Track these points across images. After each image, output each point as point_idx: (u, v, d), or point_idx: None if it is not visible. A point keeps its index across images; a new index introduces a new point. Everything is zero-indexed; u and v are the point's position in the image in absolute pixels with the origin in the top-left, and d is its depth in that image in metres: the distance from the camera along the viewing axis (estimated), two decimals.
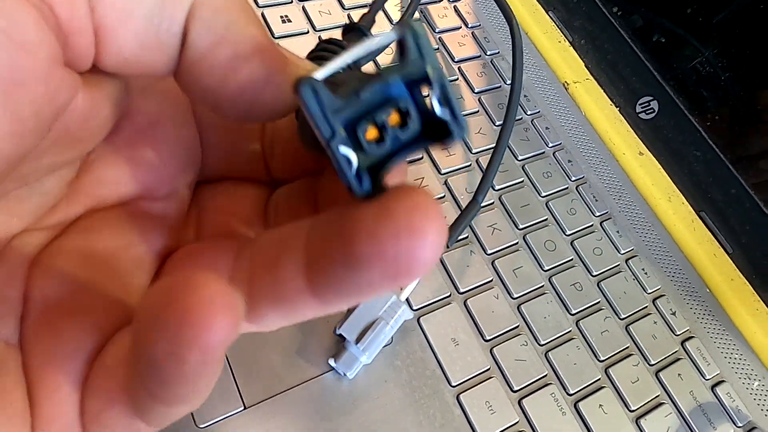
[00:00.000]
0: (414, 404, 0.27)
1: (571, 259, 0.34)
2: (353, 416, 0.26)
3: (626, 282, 0.35)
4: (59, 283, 0.12)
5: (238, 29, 0.12)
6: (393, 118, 0.11)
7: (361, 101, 0.11)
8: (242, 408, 0.25)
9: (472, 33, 0.41)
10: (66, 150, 0.12)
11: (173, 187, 0.15)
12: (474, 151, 0.36)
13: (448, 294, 0.31)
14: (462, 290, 0.31)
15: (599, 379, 0.31)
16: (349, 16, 0.38)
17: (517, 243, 0.34)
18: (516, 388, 0.29)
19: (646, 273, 0.35)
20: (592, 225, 0.36)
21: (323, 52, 0.19)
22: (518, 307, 0.32)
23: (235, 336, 0.09)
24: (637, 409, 0.30)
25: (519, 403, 0.29)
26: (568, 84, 0.42)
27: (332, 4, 0.38)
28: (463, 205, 0.33)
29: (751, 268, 0.37)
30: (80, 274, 0.13)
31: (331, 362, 0.26)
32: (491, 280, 0.32)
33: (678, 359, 0.33)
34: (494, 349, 0.30)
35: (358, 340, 0.26)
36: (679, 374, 0.32)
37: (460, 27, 0.41)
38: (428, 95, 0.11)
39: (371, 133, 0.11)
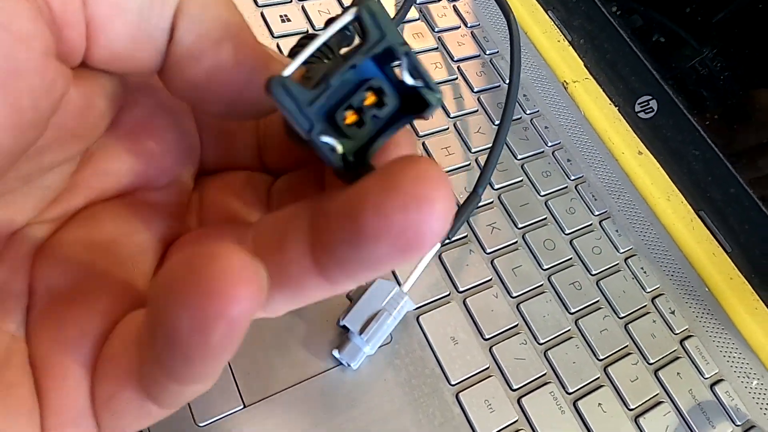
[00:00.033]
0: (413, 403, 0.27)
1: (570, 258, 0.34)
2: (352, 415, 0.26)
3: (625, 281, 0.35)
4: (63, 273, 0.13)
5: (224, 26, 0.12)
6: (369, 98, 0.11)
7: (332, 87, 0.11)
8: (242, 407, 0.25)
9: (472, 32, 0.41)
10: (66, 147, 0.12)
11: (174, 177, 0.15)
12: (473, 150, 0.36)
13: (447, 293, 0.31)
14: (461, 289, 0.31)
15: (598, 377, 0.31)
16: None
17: (516, 242, 0.34)
18: (515, 387, 0.29)
19: (645, 272, 0.35)
20: (591, 224, 0.36)
21: (302, 48, 0.19)
22: (517, 306, 0.32)
23: (259, 309, 0.09)
24: (636, 407, 0.31)
25: (518, 401, 0.29)
26: (567, 83, 0.42)
27: (331, 3, 0.38)
28: None
29: (750, 267, 0.37)
30: (83, 263, 0.13)
31: (335, 353, 0.27)
32: (490, 279, 0.32)
33: (677, 358, 0.33)
34: (493, 347, 0.30)
35: (361, 331, 0.26)
36: (678, 373, 0.32)
37: (460, 26, 0.41)
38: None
39: (350, 117, 0.11)
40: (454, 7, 0.42)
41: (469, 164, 0.36)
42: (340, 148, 0.11)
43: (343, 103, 0.11)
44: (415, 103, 0.11)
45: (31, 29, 0.10)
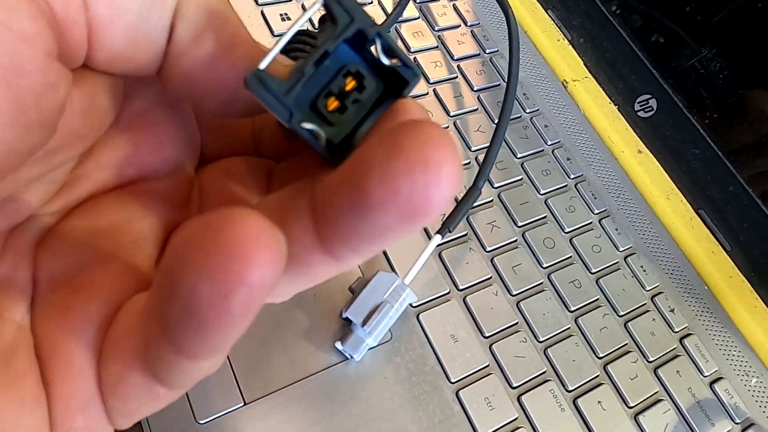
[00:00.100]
0: (413, 400, 0.27)
1: (570, 257, 0.34)
2: (352, 412, 0.26)
3: (625, 279, 0.35)
4: (65, 261, 0.13)
5: (220, 27, 0.12)
6: (349, 83, 0.11)
7: (306, 75, 0.11)
8: (242, 404, 0.25)
9: (471, 31, 0.42)
10: (72, 147, 0.12)
11: (175, 167, 0.15)
12: (473, 148, 0.36)
13: (447, 291, 0.31)
14: (461, 287, 0.31)
15: (598, 375, 0.31)
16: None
17: (516, 240, 0.34)
18: (515, 385, 0.29)
19: (644, 270, 0.35)
20: (590, 222, 0.36)
21: (295, 44, 0.20)
22: (517, 304, 0.32)
23: (279, 277, 0.09)
24: (636, 405, 0.31)
25: (518, 399, 0.29)
26: (567, 82, 0.42)
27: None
28: None
29: (749, 266, 0.37)
30: (85, 250, 0.13)
31: (338, 345, 0.27)
32: (490, 277, 0.32)
33: (676, 356, 0.33)
34: (493, 345, 0.30)
35: (364, 323, 0.26)
36: (677, 371, 0.32)
37: (459, 25, 0.42)
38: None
39: (332, 104, 0.11)
40: (454, 6, 0.42)
41: (469, 162, 0.36)
42: (323, 134, 0.11)
43: (322, 92, 0.11)
44: (396, 83, 0.12)
45: (33, 29, 0.10)
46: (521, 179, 0.36)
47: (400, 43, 0.39)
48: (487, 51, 0.41)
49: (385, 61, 0.11)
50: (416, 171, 0.09)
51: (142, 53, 0.12)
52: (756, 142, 0.36)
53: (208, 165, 0.16)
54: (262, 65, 0.11)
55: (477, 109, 0.38)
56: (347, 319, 0.27)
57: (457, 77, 0.39)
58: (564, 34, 0.44)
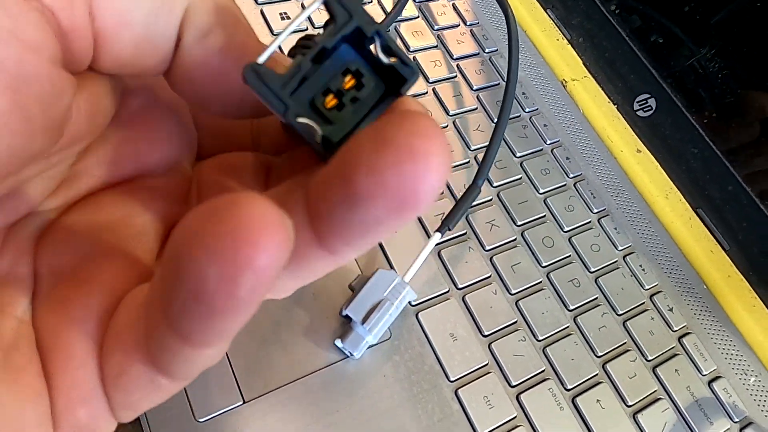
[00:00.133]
0: (412, 399, 0.27)
1: (569, 256, 0.34)
2: (351, 410, 0.26)
3: (624, 278, 0.35)
4: (66, 255, 0.13)
5: (230, 34, 0.12)
6: (349, 82, 0.12)
7: (303, 69, 0.11)
8: (241, 402, 0.25)
9: (471, 30, 0.42)
10: (74, 146, 0.12)
11: (173, 163, 0.15)
12: (472, 148, 0.36)
13: (446, 290, 0.31)
14: (460, 286, 0.31)
15: (597, 374, 0.31)
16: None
17: (515, 239, 0.34)
18: (514, 383, 0.29)
19: (643, 269, 0.35)
20: (589, 222, 0.36)
21: (298, 48, 0.20)
22: (516, 303, 0.32)
23: (285, 261, 0.09)
24: (635, 404, 0.31)
25: (517, 398, 0.29)
26: (566, 82, 0.42)
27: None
28: None
29: (747, 265, 0.37)
30: (85, 243, 0.13)
31: (338, 342, 0.27)
32: (489, 276, 0.32)
33: (675, 355, 0.33)
34: (492, 344, 0.30)
35: (364, 321, 0.26)
36: (676, 370, 0.32)
37: (459, 24, 0.42)
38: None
39: (330, 101, 0.11)
40: (453, 5, 0.42)
41: (468, 162, 0.36)
42: (319, 130, 0.11)
43: (321, 90, 0.11)
44: (395, 81, 0.12)
45: (40, 38, 0.10)
46: (520, 178, 0.36)
47: (399, 43, 0.39)
48: (487, 50, 0.41)
49: (384, 59, 0.11)
50: (403, 163, 0.09)
51: (148, 60, 0.12)
52: (754, 141, 0.37)
53: (206, 160, 0.16)
54: (261, 59, 0.11)
55: (476, 109, 0.38)
56: (347, 317, 0.27)
57: (456, 76, 0.39)
58: (563, 34, 0.44)
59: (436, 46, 0.40)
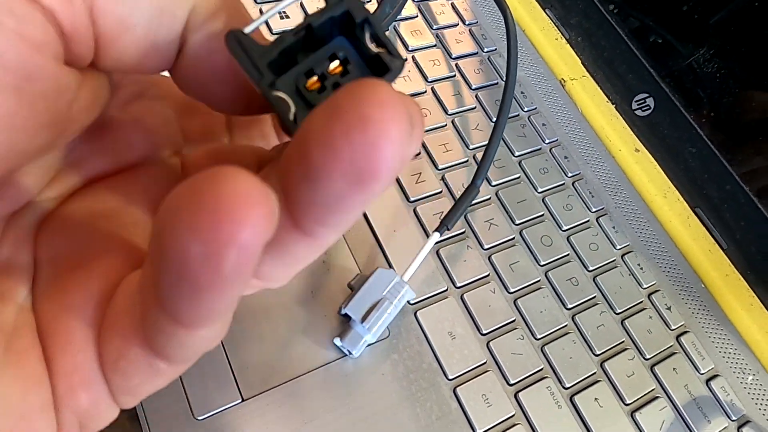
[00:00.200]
0: (411, 397, 0.27)
1: (567, 255, 0.34)
2: (350, 408, 0.26)
3: (622, 277, 0.35)
4: (65, 242, 0.13)
5: None
6: (335, 68, 0.12)
7: (286, 42, 0.11)
8: (240, 400, 0.25)
9: (470, 30, 0.42)
10: (69, 136, 0.13)
11: (168, 152, 0.15)
12: (471, 147, 0.36)
13: (445, 288, 0.31)
14: (459, 284, 0.31)
15: (595, 372, 0.31)
16: None
17: (513, 238, 0.34)
18: (512, 382, 0.29)
19: (641, 268, 0.35)
20: (588, 221, 0.36)
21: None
22: (515, 302, 0.32)
23: (269, 236, 0.08)
24: (633, 402, 0.31)
25: (515, 396, 0.29)
26: (564, 81, 0.42)
27: None
28: None
29: (745, 264, 0.37)
30: (84, 230, 0.13)
31: (336, 341, 0.27)
32: (488, 275, 0.32)
33: (673, 353, 0.33)
34: (491, 342, 0.30)
35: (363, 319, 0.26)
36: (674, 368, 0.32)
37: (458, 24, 0.42)
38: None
39: (312, 84, 0.12)
40: (452, 4, 0.42)
41: (467, 161, 0.36)
42: (292, 105, 0.11)
43: (305, 72, 0.12)
44: (380, 72, 0.12)
45: (44, 37, 0.10)
46: (519, 177, 0.36)
47: (399, 42, 0.39)
48: (486, 50, 0.41)
49: (371, 47, 0.12)
50: (353, 132, 0.08)
51: (151, 61, 0.12)
52: (752, 140, 0.37)
53: (200, 149, 0.16)
54: (247, 30, 0.11)
55: (475, 108, 0.38)
56: (346, 316, 0.27)
57: (455, 76, 0.39)
58: (562, 33, 0.44)
59: (435, 46, 0.40)
